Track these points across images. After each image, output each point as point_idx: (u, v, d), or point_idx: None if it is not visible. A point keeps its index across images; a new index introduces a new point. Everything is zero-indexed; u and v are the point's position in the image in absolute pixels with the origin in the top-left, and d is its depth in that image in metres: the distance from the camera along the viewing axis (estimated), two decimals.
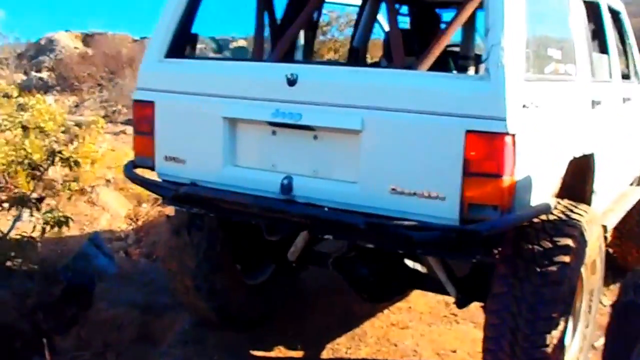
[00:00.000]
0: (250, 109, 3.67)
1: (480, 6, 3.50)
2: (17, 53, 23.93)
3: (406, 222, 3.22)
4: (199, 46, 4.59)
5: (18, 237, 5.94)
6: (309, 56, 5.22)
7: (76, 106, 16.05)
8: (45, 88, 17.51)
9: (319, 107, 3.49)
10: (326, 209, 3.44)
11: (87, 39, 24.66)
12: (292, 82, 3.52)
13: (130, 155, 4.35)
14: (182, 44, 4.10)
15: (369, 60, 6.03)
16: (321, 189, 3.53)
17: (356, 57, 5.70)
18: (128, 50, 20.63)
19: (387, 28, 5.61)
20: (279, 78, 3.55)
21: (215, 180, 3.81)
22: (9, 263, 5.64)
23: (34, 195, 6.27)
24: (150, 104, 3.98)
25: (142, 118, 4.03)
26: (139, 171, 4.13)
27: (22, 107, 7.40)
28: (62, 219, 6.03)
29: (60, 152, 6.17)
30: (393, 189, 3.33)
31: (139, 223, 7.80)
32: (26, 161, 6.09)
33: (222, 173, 3.79)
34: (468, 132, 3.15)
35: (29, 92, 16.18)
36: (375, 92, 3.40)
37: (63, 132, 6.55)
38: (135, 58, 18.60)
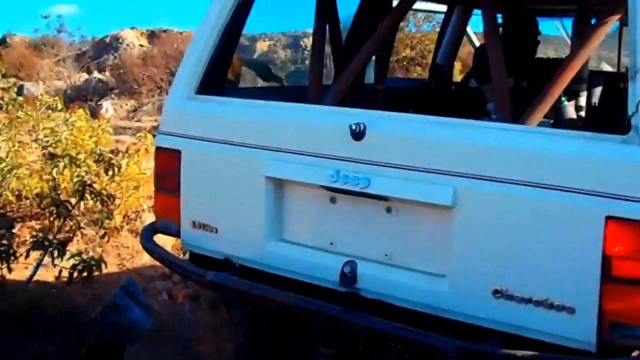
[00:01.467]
0: (302, 168, 2.74)
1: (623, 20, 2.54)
2: (82, 51, 23.72)
3: (520, 353, 2.25)
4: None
5: (42, 284, 5.20)
6: (381, 81, 4.23)
7: (134, 110, 15.45)
8: (103, 91, 16.99)
9: (394, 170, 2.55)
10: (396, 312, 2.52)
11: (151, 37, 24.27)
12: (358, 134, 2.59)
13: None
14: (220, 75, 3.22)
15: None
16: (396, 282, 2.59)
17: (440, 77, 4.74)
18: None
19: (478, 42, 4.64)
20: (341, 128, 2.62)
21: (255, 259, 2.91)
22: (26, 320, 4.86)
23: (62, 235, 5.48)
24: (176, 153, 3.10)
25: (166, 171, 3.16)
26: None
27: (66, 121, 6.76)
28: (92, 262, 5.25)
29: (91, 185, 5.37)
30: (497, 291, 2.37)
31: (187, 256, 6.96)
32: (50, 196, 5.33)
33: (265, 249, 2.88)
34: (609, 218, 2.17)
35: (85, 97, 15.76)
36: (472, 153, 2.44)
37: (99, 158, 5.74)
38: None
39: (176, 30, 23.79)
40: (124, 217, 7.00)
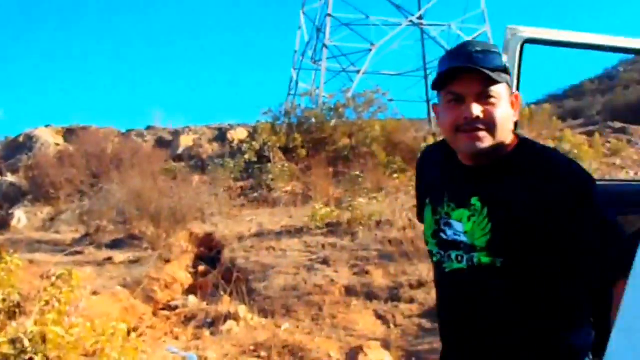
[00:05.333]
0: None
1: None
2: None
3: None
4: None
5: None
6: None
7: (51, 220, 13.38)
8: (15, 196, 14.90)
9: None
10: None
11: (68, 135, 22.41)
12: None
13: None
14: None
15: None
16: None
17: None
18: (114, 147, 18.07)
19: None
20: None
21: None
22: None
23: None
24: None
25: None
26: None
27: None
28: None
29: None
30: None
31: None
32: None
33: None
34: None
35: None
36: None
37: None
38: (122, 157, 15.95)
39: (95, 127, 22.19)
40: None
